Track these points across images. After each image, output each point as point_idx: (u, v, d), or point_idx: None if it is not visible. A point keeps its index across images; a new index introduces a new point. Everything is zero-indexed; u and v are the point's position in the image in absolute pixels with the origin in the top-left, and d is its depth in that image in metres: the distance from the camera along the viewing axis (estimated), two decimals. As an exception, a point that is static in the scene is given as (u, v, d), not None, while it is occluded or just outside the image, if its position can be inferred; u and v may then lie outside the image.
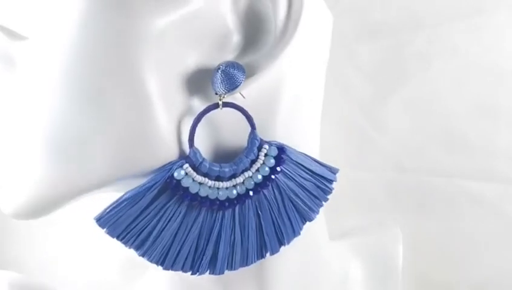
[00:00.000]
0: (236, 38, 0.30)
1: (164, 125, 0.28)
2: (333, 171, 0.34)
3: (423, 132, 0.54)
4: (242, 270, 0.32)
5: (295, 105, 0.32)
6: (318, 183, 0.33)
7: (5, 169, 0.32)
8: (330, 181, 0.33)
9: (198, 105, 0.30)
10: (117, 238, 0.29)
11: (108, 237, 0.30)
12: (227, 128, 0.31)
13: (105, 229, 0.29)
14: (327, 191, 0.33)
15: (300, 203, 0.32)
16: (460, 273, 0.54)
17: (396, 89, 0.54)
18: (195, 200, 0.29)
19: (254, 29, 0.30)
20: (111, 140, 0.28)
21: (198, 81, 0.29)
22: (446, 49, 0.54)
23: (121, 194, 0.29)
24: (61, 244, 0.62)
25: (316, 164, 0.33)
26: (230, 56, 0.30)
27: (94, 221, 0.29)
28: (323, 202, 0.33)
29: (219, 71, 0.28)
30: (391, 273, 0.44)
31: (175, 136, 0.29)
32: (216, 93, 0.29)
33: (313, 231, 0.35)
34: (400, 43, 0.54)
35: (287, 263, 0.35)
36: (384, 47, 0.54)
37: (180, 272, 0.31)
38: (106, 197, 0.30)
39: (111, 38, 0.27)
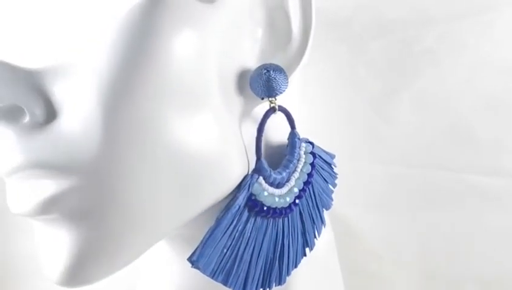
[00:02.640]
0: (262, 43, 0.29)
1: (232, 137, 0.27)
2: (332, 156, 0.34)
3: (432, 127, 0.54)
4: None
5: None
6: (329, 170, 0.33)
7: (61, 237, 0.25)
8: (333, 167, 0.34)
9: (244, 108, 0.29)
10: (209, 274, 0.27)
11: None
12: (268, 129, 0.30)
13: (201, 269, 0.26)
14: (335, 177, 0.34)
15: (324, 194, 0.32)
16: (468, 269, 0.54)
17: (405, 85, 0.55)
18: (268, 213, 0.28)
19: (274, 36, 0.29)
20: (187, 169, 0.25)
21: (240, 81, 0.28)
22: (457, 45, 0.53)
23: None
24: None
25: (324, 152, 0.33)
26: (258, 61, 0.29)
27: (190, 263, 0.26)
28: (333, 188, 0.34)
29: (266, 75, 0.27)
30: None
31: (241, 146, 0.28)
32: (262, 98, 0.28)
33: None
34: (410, 40, 0.54)
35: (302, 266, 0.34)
36: (394, 43, 0.54)
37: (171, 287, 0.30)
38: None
39: (169, 53, 0.24)
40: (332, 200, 0.34)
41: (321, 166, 0.32)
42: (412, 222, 0.54)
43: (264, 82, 0.27)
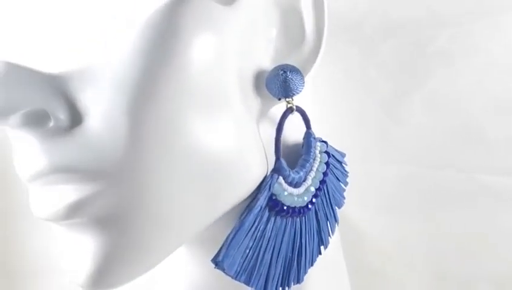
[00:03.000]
0: (278, 44, 0.29)
1: (252, 139, 0.27)
2: (343, 155, 0.35)
3: (444, 128, 0.54)
4: None
5: None
6: (341, 169, 0.34)
7: (89, 242, 0.25)
8: (344, 165, 0.34)
9: (261, 108, 0.29)
10: (233, 274, 0.27)
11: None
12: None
13: (225, 270, 0.26)
14: (346, 175, 0.34)
15: (337, 192, 0.33)
16: (480, 269, 0.54)
17: (417, 86, 0.55)
18: (288, 213, 0.28)
19: (288, 37, 0.29)
20: (213, 174, 0.25)
21: (256, 82, 0.28)
22: (468, 47, 0.53)
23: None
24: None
25: (336, 151, 0.34)
26: (272, 56, 0.29)
27: (214, 264, 0.26)
28: (345, 187, 0.34)
29: (283, 76, 0.27)
30: None
31: (260, 147, 0.28)
32: (279, 99, 0.28)
33: None
34: (421, 41, 0.54)
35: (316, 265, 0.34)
36: (405, 45, 0.54)
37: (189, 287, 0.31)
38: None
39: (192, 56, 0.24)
40: (344, 198, 0.34)
41: (334, 165, 0.33)
42: (423, 223, 0.54)
43: (281, 83, 0.27)
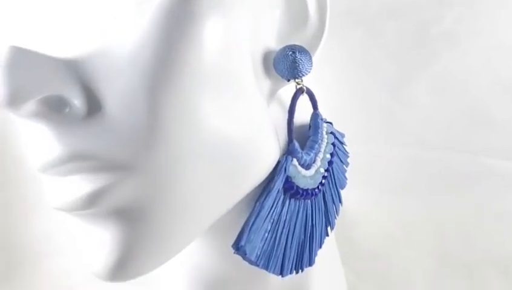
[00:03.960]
0: (283, 26, 0.29)
1: (265, 121, 0.27)
2: (342, 135, 0.34)
3: (449, 110, 0.54)
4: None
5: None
6: (343, 150, 0.33)
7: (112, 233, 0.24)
8: (345, 146, 0.34)
9: (272, 89, 0.28)
10: (254, 259, 0.26)
11: None
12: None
13: (247, 254, 0.26)
14: (347, 156, 0.34)
15: (341, 173, 0.32)
16: (486, 252, 0.54)
17: (422, 68, 0.54)
18: (302, 195, 0.28)
19: (294, 18, 0.29)
20: (233, 158, 0.24)
21: (265, 63, 0.28)
22: (473, 27, 0.53)
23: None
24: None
25: (337, 132, 0.33)
26: (276, 36, 0.29)
27: (235, 249, 0.26)
28: (346, 168, 0.34)
29: (292, 56, 0.27)
30: None
31: (273, 129, 0.27)
32: (288, 80, 0.27)
33: None
34: (427, 22, 0.54)
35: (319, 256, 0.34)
36: (410, 26, 0.54)
37: (196, 273, 0.30)
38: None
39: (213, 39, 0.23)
40: (347, 179, 0.34)
41: (337, 146, 0.32)
42: (428, 206, 0.54)
43: (290, 63, 0.27)
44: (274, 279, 0.32)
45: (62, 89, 0.22)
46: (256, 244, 0.26)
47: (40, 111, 0.22)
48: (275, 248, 0.27)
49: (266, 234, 0.26)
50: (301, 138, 0.30)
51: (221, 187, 0.25)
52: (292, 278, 0.30)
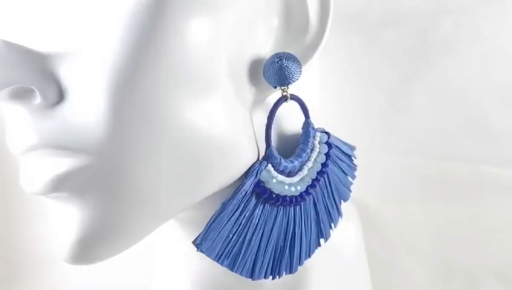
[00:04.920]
0: (278, 31, 0.29)
1: (241, 125, 0.27)
2: (352, 148, 0.34)
3: (449, 117, 0.54)
4: None
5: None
6: (348, 162, 0.33)
7: (70, 215, 0.26)
8: (353, 158, 0.34)
9: (256, 98, 0.28)
10: (215, 258, 0.27)
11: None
12: (283, 119, 0.30)
13: (205, 252, 0.27)
14: (354, 169, 0.34)
15: (341, 185, 0.32)
16: (486, 260, 0.54)
17: (421, 75, 0.54)
18: (278, 201, 0.28)
19: (291, 24, 0.29)
20: (197, 155, 0.25)
21: (254, 70, 0.28)
22: (472, 34, 0.53)
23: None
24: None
25: (343, 143, 0.33)
26: (273, 49, 0.29)
27: (195, 246, 0.27)
28: (352, 180, 0.34)
29: (278, 63, 0.27)
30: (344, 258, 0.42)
31: (250, 134, 0.28)
32: (275, 87, 0.27)
33: None
34: (426, 29, 0.54)
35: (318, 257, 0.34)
36: (409, 33, 0.54)
37: (203, 274, 0.31)
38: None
39: (185, 40, 0.24)
40: (350, 191, 0.34)
41: (339, 157, 0.32)
42: (429, 213, 0.54)
43: (276, 70, 0.27)
44: (271, 286, 0.32)
45: (35, 82, 0.24)
46: (218, 244, 0.26)
47: (12, 98, 0.24)
48: (244, 250, 0.27)
49: (231, 235, 0.27)
50: (292, 146, 0.30)
51: (184, 181, 0.25)
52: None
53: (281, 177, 0.28)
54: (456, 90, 0.53)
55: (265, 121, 0.28)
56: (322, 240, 0.32)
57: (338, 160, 0.32)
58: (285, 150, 0.30)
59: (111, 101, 0.23)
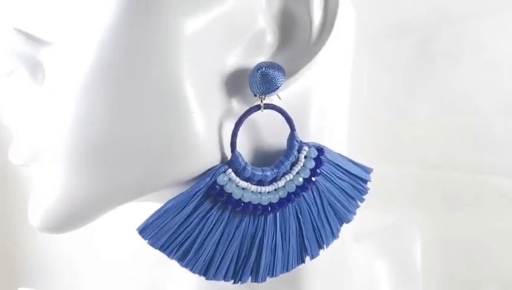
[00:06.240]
0: (270, 38, 0.29)
1: (203, 129, 0.27)
2: (367, 171, 0.33)
3: (450, 127, 0.54)
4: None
5: (326, 106, 0.32)
6: (354, 183, 0.32)
7: (35, 182, 0.31)
8: (365, 181, 0.33)
9: (237, 107, 0.29)
10: (160, 249, 0.28)
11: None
12: (265, 130, 0.30)
13: (147, 241, 0.28)
14: (362, 191, 0.33)
15: (338, 204, 0.32)
16: (486, 270, 0.54)
17: (423, 85, 0.54)
18: (239, 206, 0.28)
19: (288, 30, 0.29)
20: (147, 147, 0.27)
21: (235, 82, 0.29)
22: (474, 44, 0.53)
23: (162, 203, 0.28)
24: (90, 239, 0.63)
25: (352, 164, 0.32)
26: (265, 56, 0.29)
27: (137, 232, 0.28)
28: (359, 203, 0.33)
29: (259, 72, 0.27)
30: (412, 274, 0.44)
31: (216, 140, 0.28)
32: (255, 95, 0.28)
33: (342, 231, 0.34)
34: (427, 39, 0.54)
35: (318, 264, 0.34)
36: (410, 43, 0.54)
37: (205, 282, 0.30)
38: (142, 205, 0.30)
39: (143, 40, 0.26)
40: (353, 214, 0.33)
41: (339, 176, 0.31)
42: (431, 224, 0.54)
43: (256, 80, 0.27)
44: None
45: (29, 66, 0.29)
46: (164, 235, 0.28)
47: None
48: (196, 248, 0.28)
49: (181, 231, 0.28)
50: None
51: (142, 164, 0.27)
52: None
53: (244, 184, 0.28)
54: (458, 99, 0.53)
55: (250, 131, 0.29)
56: (307, 258, 0.32)
57: (337, 179, 0.31)
58: (269, 161, 0.30)
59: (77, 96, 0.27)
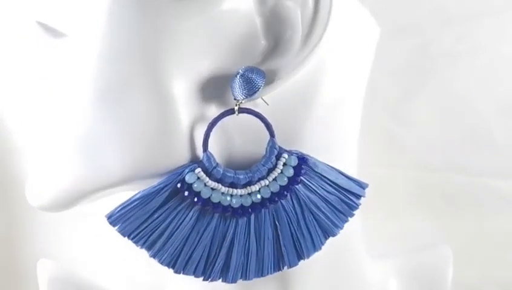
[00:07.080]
0: (260, 42, 0.29)
1: (182, 128, 0.29)
2: (362, 186, 0.32)
3: (451, 130, 0.54)
4: (268, 278, 0.31)
5: (329, 113, 0.32)
6: (343, 197, 0.31)
7: (34, 164, 0.34)
8: (358, 196, 0.32)
9: (216, 110, 0.29)
10: (128, 237, 0.29)
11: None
12: (247, 136, 0.30)
13: (116, 228, 0.29)
14: (353, 207, 0.32)
15: (322, 217, 0.31)
16: (488, 272, 0.54)
17: (422, 88, 0.54)
18: (208, 206, 0.29)
19: (279, 34, 0.28)
20: (131, 139, 0.29)
21: (219, 87, 0.29)
22: (474, 47, 0.53)
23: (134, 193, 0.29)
24: (89, 238, 0.63)
25: (343, 177, 0.31)
26: (254, 61, 0.29)
27: (105, 219, 0.29)
28: (348, 217, 0.32)
29: (238, 76, 0.27)
30: None
31: (192, 140, 0.29)
32: (235, 99, 0.28)
33: (344, 241, 0.33)
34: (426, 42, 0.54)
35: (314, 272, 0.34)
36: (411, 46, 0.54)
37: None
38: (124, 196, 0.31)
39: (135, 38, 0.28)
40: (340, 228, 0.31)
41: (325, 188, 0.30)
42: (432, 227, 0.54)
43: (235, 84, 0.28)
44: None
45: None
46: (133, 225, 0.29)
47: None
48: (163, 240, 0.29)
49: (148, 222, 0.29)
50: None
51: (120, 150, 0.29)
52: None
53: (213, 184, 0.29)
54: (457, 102, 0.53)
55: (234, 135, 0.30)
56: (285, 267, 0.31)
57: (321, 190, 0.30)
58: (248, 167, 0.30)
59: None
